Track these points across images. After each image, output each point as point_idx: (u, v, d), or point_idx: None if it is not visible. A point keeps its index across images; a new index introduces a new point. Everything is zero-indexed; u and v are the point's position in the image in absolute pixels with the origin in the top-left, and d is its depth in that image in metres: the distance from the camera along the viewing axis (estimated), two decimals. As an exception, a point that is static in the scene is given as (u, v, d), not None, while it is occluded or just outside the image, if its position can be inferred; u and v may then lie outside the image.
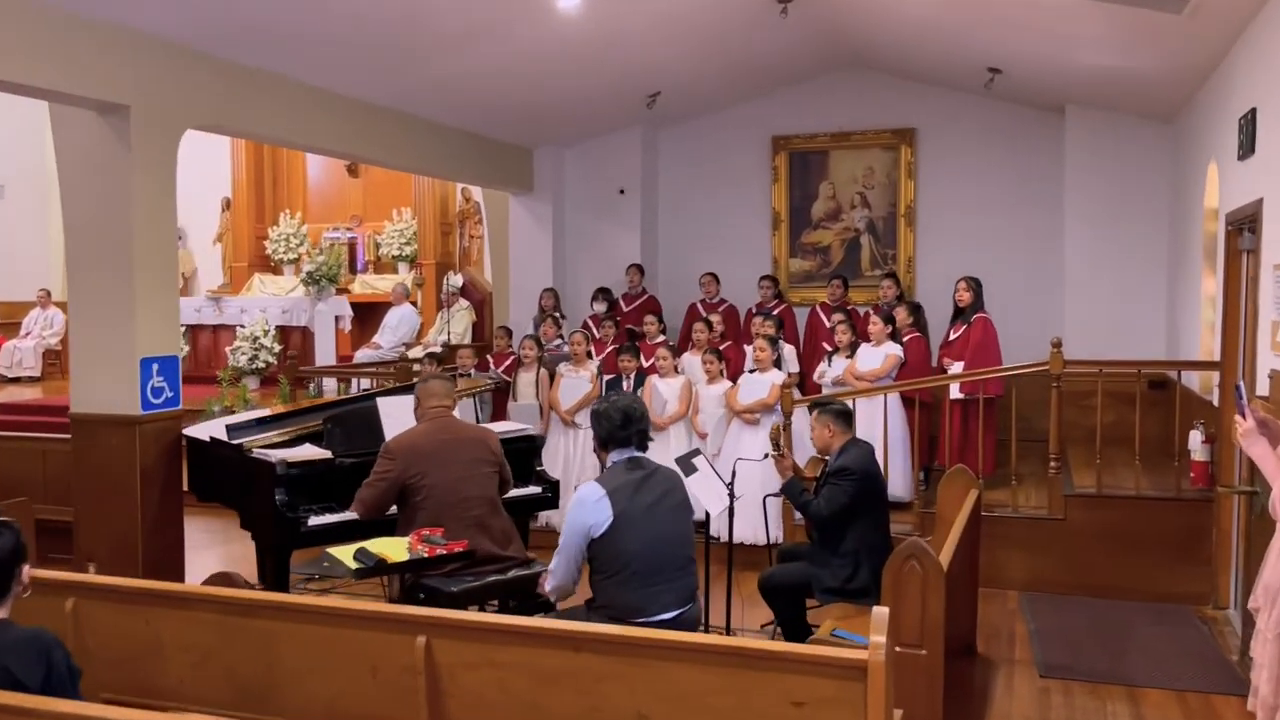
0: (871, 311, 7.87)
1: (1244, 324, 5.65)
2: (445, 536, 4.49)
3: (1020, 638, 5.74)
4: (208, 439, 5.50)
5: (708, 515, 5.00)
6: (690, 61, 8.62)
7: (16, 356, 14.97)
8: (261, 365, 12.66)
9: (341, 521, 4.98)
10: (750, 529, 6.49)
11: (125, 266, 5.57)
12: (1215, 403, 6.56)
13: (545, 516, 7.23)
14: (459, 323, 12.09)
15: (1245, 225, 5.58)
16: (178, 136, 5.87)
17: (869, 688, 2.70)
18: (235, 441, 5.22)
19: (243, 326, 13.21)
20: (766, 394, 6.98)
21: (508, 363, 8.32)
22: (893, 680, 2.76)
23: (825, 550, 4.85)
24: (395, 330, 12.69)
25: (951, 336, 7.58)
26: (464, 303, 12.28)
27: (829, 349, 8.05)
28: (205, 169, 15.59)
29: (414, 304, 13.20)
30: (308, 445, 5.28)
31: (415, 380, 7.85)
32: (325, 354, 13.19)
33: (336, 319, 13.92)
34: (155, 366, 5.67)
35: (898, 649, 3.72)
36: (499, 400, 8.09)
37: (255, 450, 5.11)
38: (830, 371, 7.75)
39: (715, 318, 8.36)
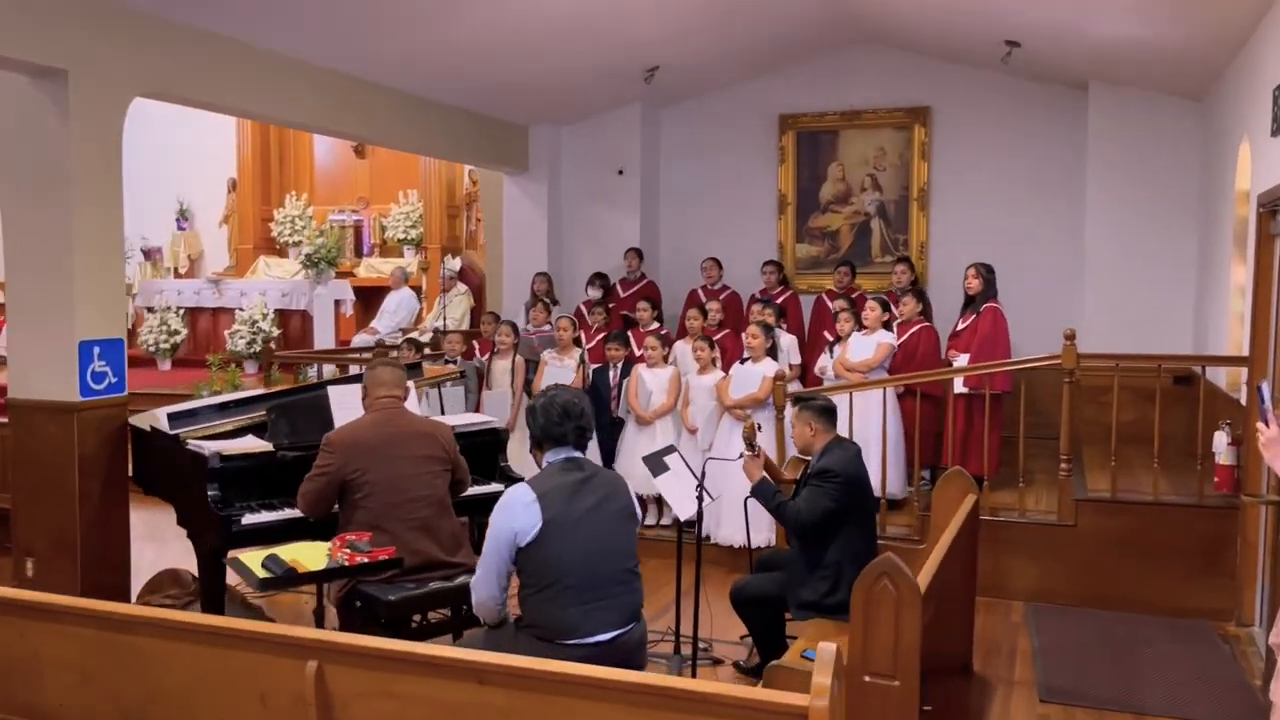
0: (870, 297, 7.41)
1: (1275, 315, 5.15)
2: (384, 539, 4.12)
3: (1022, 654, 5.28)
4: (148, 428, 5.14)
5: (701, 513, 4.61)
6: (692, 35, 8.16)
7: (17, 338, 14.77)
8: (259, 349, 12.42)
9: (283, 520, 4.61)
10: (739, 532, 6.07)
11: (64, 243, 5.21)
12: (1243, 401, 6.06)
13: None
14: (457, 308, 11.72)
15: (1278, 207, 5.08)
16: (123, 104, 5.50)
17: (810, 738, 2.28)
18: (173, 431, 4.86)
19: (241, 310, 12.96)
20: (757, 387, 6.54)
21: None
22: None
23: (804, 560, 4.43)
24: (394, 315, 12.38)
25: (959, 327, 7.10)
26: (462, 287, 11.92)
27: (830, 339, 7.61)
28: (211, 149, 15.39)
29: (417, 289, 12.89)
30: (250, 437, 4.91)
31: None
32: (324, 338, 12.90)
33: (338, 303, 13.64)
34: (96, 350, 5.31)
35: (867, 679, 3.30)
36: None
37: (190, 441, 4.74)
38: (831, 363, 7.30)
39: (713, 304, 7.92)
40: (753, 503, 5.17)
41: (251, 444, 4.78)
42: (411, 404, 5.00)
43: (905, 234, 9.46)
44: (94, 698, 3.10)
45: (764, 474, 4.51)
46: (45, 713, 3.18)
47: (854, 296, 7.96)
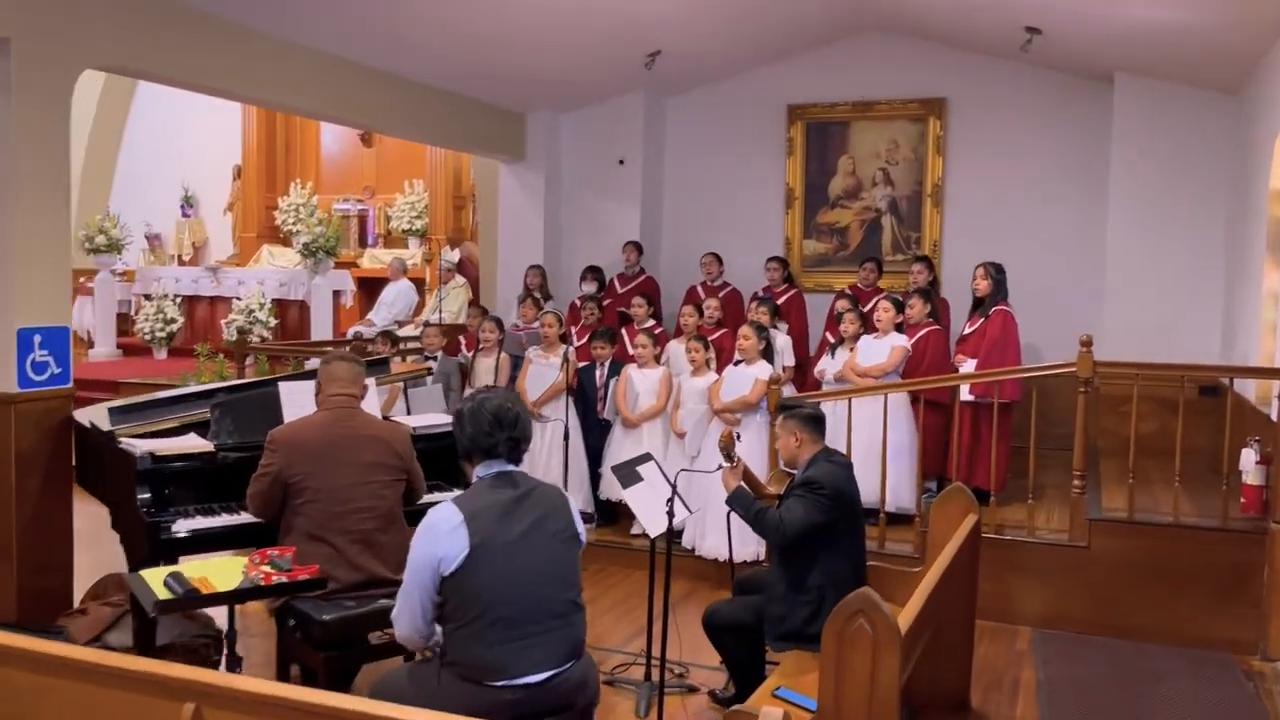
0: (885, 297, 6.99)
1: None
2: (323, 552, 3.78)
3: (1026, 688, 4.86)
4: (88, 424, 4.80)
5: (671, 526, 4.22)
6: (697, 19, 7.76)
7: None
8: (257, 340, 12.14)
9: (221, 527, 4.25)
10: (725, 544, 5.69)
11: (4, 225, 4.87)
12: (1273, 416, 5.61)
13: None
14: (454, 301, 11.36)
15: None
16: (72, 77, 5.14)
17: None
18: (108, 428, 4.51)
19: (238, 299, 12.69)
20: (749, 390, 6.13)
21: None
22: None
23: (784, 583, 4.03)
24: (391, 307, 12.07)
25: (967, 330, 6.67)
26: (460, 280, 11.55)
27: (831, 341, 7.19)
28: (217, 136, 15.14)
29: (421, 280, 12.57)
30: (192, 435, 4.55)
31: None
32: (322, 329, 12.60)
33: (338, 294, 13.35)
34: (37, 338, 4.97)
35: (838, 731, 2.90)
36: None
37: (123, 440, 4.39)
38: (831, 366, 6.89)
39: (711, 302, 7.52)
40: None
41: (190, 443, 4.42)
42: (371, 404, 4.66)
43: (918, 231, 9.02)
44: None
45: (740, 484, 4.12)
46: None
47: (877, 299, 7.53)
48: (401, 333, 10.31)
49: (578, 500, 6.73)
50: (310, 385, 4.38)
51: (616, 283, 8.92)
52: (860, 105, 9.08)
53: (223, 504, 4.34)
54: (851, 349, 6.75)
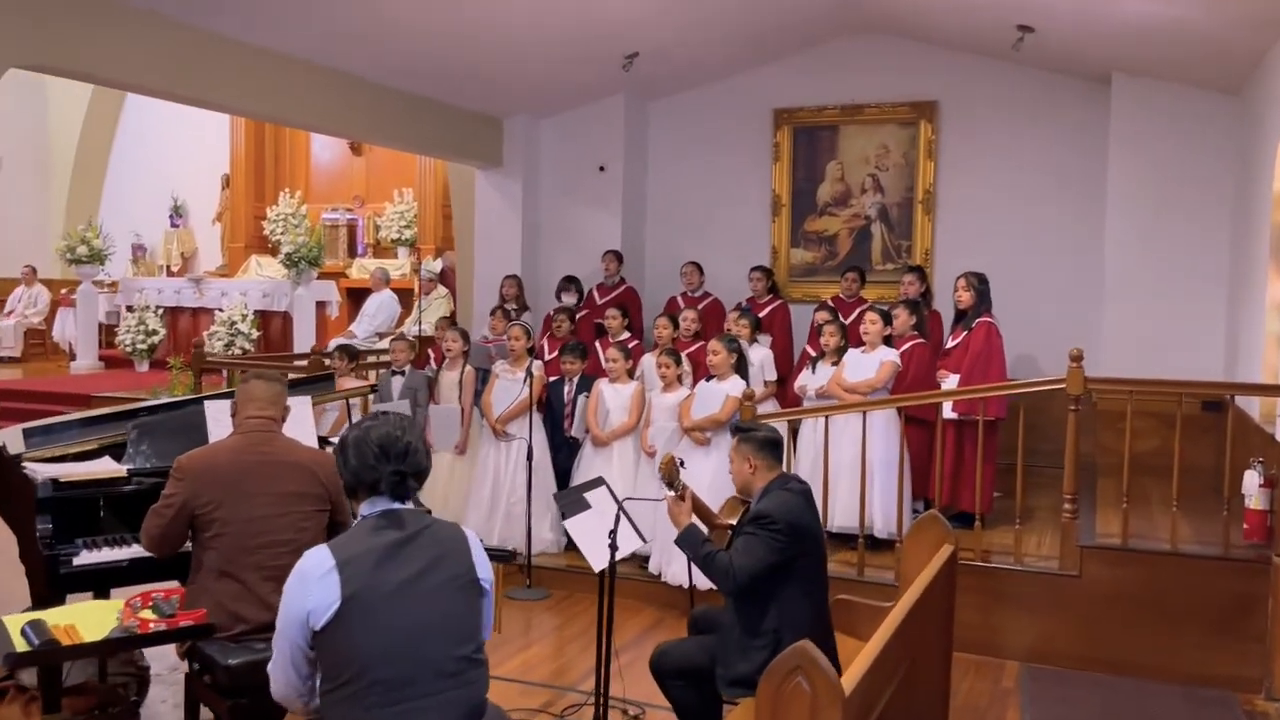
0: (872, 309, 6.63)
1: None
2: (233, 590, 3.45)
3: (1009, 732, 4.50)
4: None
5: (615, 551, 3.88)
6: (679, 19, 7.46)
7: (-4, 335, 14.33)
8: (238, 352, 11.88)
9: (127, 560, 3.94)
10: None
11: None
12: (1278, 436, 5.26)
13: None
14: (435, 312, 11.07)
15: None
16: (-7, 76, 4.87)
17: None
18: (19, 451, 4.20)
19: (221, 310, 12.42)
20: (718, 408, 5.79)
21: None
22: None
23: (738, 625, 3.68)
24: (373, 318, 11.83)
25: (950, 344, 6.33)
26: (442, 290, 11.27)
27: (813, 354, 6.85)
28: (206, 145, 14.95)
29: (410, 291, 12.29)
30: (106, 459, 4.24)
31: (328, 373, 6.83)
32: (304, 341, 12.33)
33: (322, 304, 13.09)
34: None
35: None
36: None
37: (27, 464, 4.08)
38: (813, 382, 6.54)
39: (688, 313, 7.18)
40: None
41: (101, 468, 4.11)
42: (300, 427, 4.34)
43: (909, 240, 8.68)
44: None
45: (692, 519, 3.77)
46: None
47: (860, 310, 7.19)
48: (381, 345, 10.03)
49: (544, 523, 6.41)
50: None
51: (596, 293, 8.60)
52: (849, 109, 8.75)
53: (136, 535, 4.01)
54: (833, 363, 6.41)
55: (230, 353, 11.87)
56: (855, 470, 5.70)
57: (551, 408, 6.79)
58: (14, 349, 14.35)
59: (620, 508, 4.05)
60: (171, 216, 15.91)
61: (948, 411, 5.81)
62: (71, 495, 3.94)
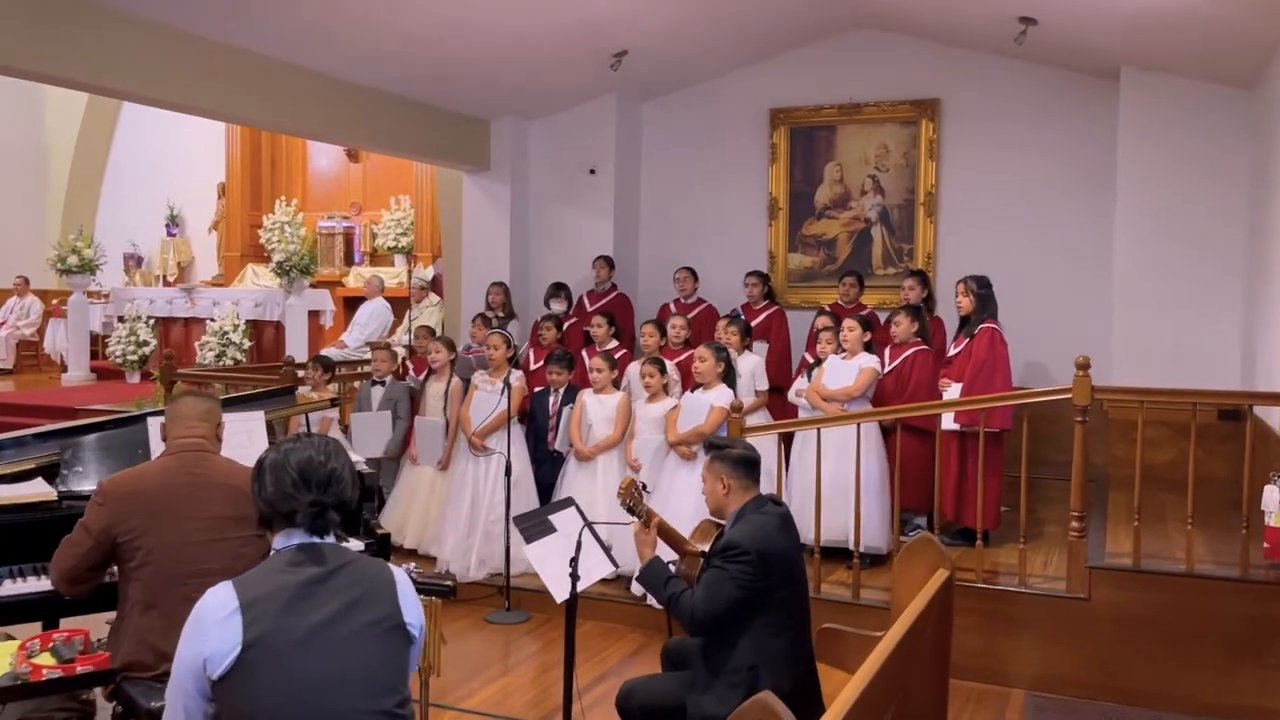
0: (853, 316, 6.34)
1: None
2: (160, 624, 3.16)
3: (1012, 769, 4.18)
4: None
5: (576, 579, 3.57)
6: (671, 17, 7.19)
7: (-14, 347, 14.14)
8: (230, 362, 11.66)
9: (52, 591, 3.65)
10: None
11: None
12: (1300, 448, 4.94)
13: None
14: (427, 320, 10.79)
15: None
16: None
17: None
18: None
19: (212, 320, 12.20)
20: (703, 419, 5.50)
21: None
22: None
23: (706, 662, 3.38)
24: (364, 327, 11.58)
25: (952, 352, 6.01)
26: (434, 298, 10.99)
27: (810, 361, 6.55)
28: (202, 153, 14.76)
29: (405, 299, 12.04)
30: (38, 480, 3.96)
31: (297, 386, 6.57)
32: (297, 351, 12.08)
33: (315, 313, 12.86)
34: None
35: None
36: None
37: (-49, 487, 3.81)
38: (806, 391, 6.25)
39: (676, 320, 6.89)
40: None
41: (30, 490, 3.83)
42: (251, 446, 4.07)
43: (910, 243, 8.36)
44: None
45: (655, 551, 3.47)
46: None
47: (865, 314, 6.88)
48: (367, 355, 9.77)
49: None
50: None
51: (586, 300, 8.31)
52: (847, 108, 8.44)
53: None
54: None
55: (222, 363, 11.67)
56: (835, 483, 5.41)
57: (535, 420, 6.51)
58: (6, 360, 14.17)
59: (590, 530, 3.76)
60: (168, 225, 15.72)
61: (949, 423, 5.49)
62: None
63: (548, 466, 6.39)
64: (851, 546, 5.36)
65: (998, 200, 8.05)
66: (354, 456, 4.73)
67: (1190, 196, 7.01)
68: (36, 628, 3.82)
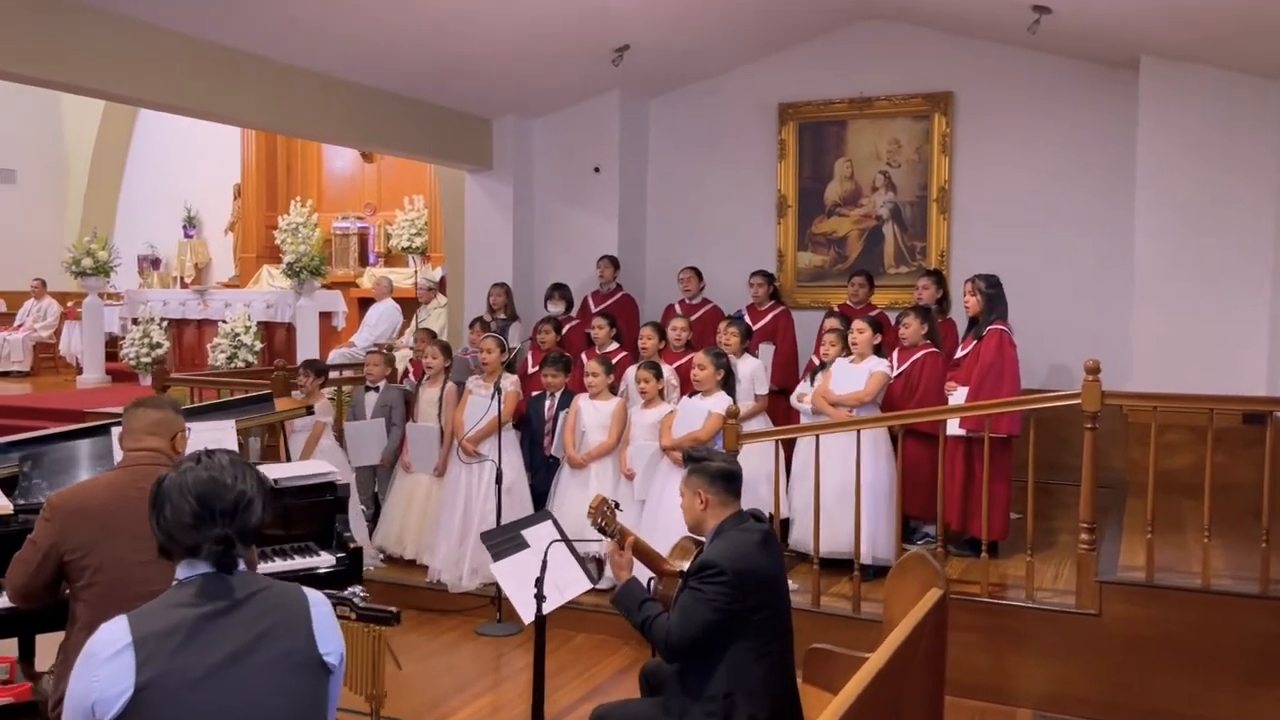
0: (862, 318, 6.10)
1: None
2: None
3: (1014, 797, 3.97)
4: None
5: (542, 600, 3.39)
6: (675, 9, 6.99)
7: (5, 349, 14.19)
8: (242, 364, 11.60)
9: (7, 609, 3.53)
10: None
11: None
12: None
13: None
14: (435, 322, 10.66)
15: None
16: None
17: None
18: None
19: (224, 322, 12.17)
20: (700, 426, 5.30)
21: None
22: None
23: (682, 689, 3.19)
24: (374, 328, 11.45)
25: (960, 354, 5.78)
26: (442, 299, 10.85)
27: (817, 363, 6.34)
28: (219, 155, 14.75)
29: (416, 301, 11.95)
30: (-2, 493, 3.85)
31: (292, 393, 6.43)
32: (308, 353, 12.02)
33: (327, 315, 12.80)
34: None
35: None
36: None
37: (-95, 501, 3.70)
38: (810, 394, 6.03)
39: (677, 322, 6.70)
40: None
41: (-14, 504, 3.71)
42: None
43: (923, 240, 8.11)
44: None
45: (632, 573, 3.29)
46: None
47: (874, 315, 6.66)
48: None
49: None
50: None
51: (590, 301, 8.13)
52: (858, 102, 8.20)
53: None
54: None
55: (233, 365, 11.61)
56: (843, 492, 5.19)
57: (531, 425, 6.34)
58: (23, 363, 14.22)
59: (567, 544, 3.58)
60: (185, 227, 15.74)
61: (955, 428, 5.27)
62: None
63: (543, 473, 6.23)
64: (853, 557, 5.15)
65: (1013, 196, 7.78)
66: (319, 468, 4.59)
67: (1214, 190, 6.71)
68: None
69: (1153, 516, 4.67)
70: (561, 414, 6.13)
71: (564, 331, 7.39)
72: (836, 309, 7.08)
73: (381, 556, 6.41)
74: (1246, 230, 6.64)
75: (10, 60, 5.22)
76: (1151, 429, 4.69)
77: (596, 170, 8.56)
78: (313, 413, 5.75)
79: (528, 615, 3.31)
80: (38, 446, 3.95)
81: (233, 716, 2.01)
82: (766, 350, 7.18)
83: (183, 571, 2.15)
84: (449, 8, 6.33)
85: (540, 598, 3.21)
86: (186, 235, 15.81)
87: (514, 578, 3.38)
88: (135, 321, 12.75)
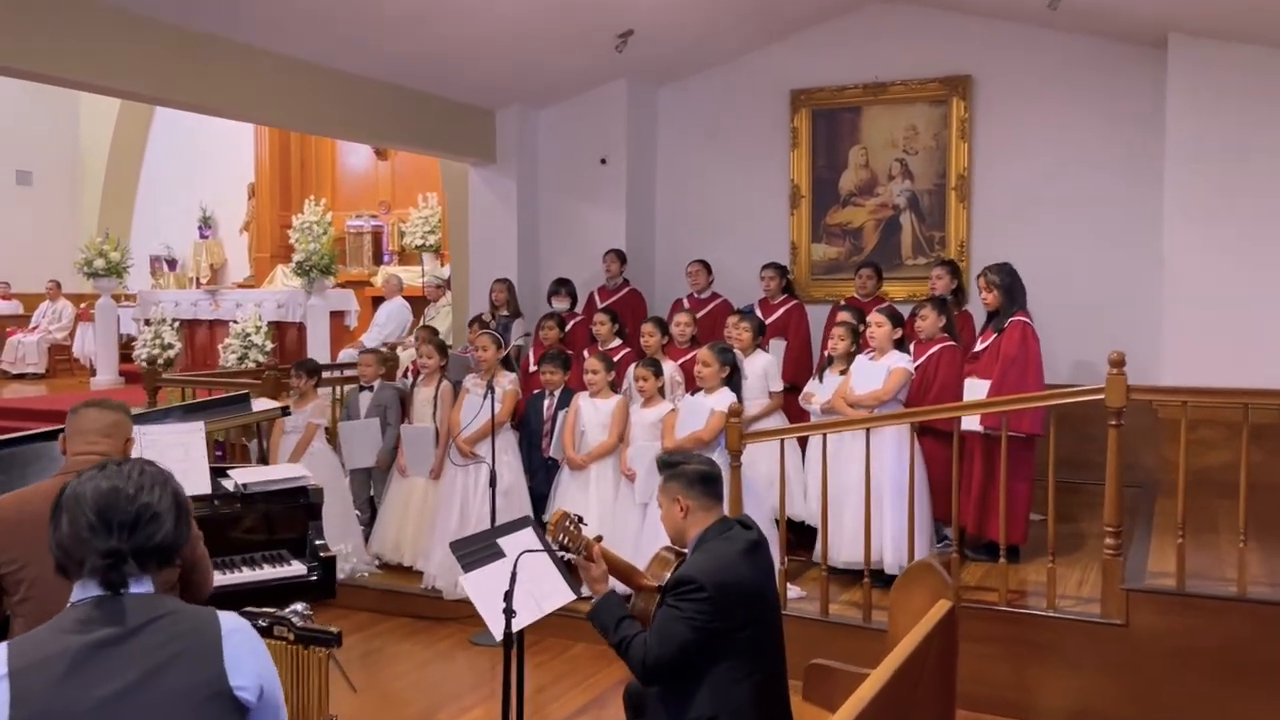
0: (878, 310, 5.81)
1: None
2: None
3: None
4: None
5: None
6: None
7: (20, 351, 14.15)
8: (253, 365, 11.46)
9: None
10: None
11: None
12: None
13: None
14: (444, 320, 10.47)
15: None
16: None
17: None
18: None
19: (235, 322, 12.05)
20: (702, 424, 5.04)
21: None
22: None
23: (664, 712, 2.94)
24: (383, 327, 11.28)
25: (978, 347, 5.48)
26: (450, 297, 10.65)
27: (829, 356, 6.05)
28: (234, 155, 14.67)
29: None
30: (-49, 501, 3.64)
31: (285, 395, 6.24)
32: (318, 353, 11.87)
33: (339, 314, 12.64)
34: None
35: None
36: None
37: None
38: (820, 392, 5.76)
39: (681, 317, 6.44)
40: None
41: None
42: (187, 462, 3.71)
43: (942, 230, 7.80)
44: None
45: (609, 587, 3.03)
46: None
47: (887, 307, 6.37)
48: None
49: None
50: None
51: (597, 296, 7.88)
52: (873, 87, 7.90)
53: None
54: (841, 371, 5.63)
55: (244, 365, 11.47)
56: (862, 496, 4.90)
57: (529, 425, 6.11)
58: (38, 365, 14.19)
59: (549, 553, 3.33)
60: (200, 228, 15.68)
61: (972, 424, 4.97)
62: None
63: (542, 475, 6.00)
64: (880, 567, 4.89)
65: (1035, 182, 7.46)
66: (291, 472, 4.36)
67: (1247, 174, 6.37)
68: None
69: (1184, 519, 4.35)
70: (560, 413, 5.90)
71: (569, 328, 7.15)
72: (844, 301, 6.80)
73: (377, 563, 6.20)
74: (1278, 216, 6.29)
75: (19, 57, 5.14)
76: (1182, 425, 4.37)
77: (603, 161, 8.31)
78: (289, 413, 5.53)
79: (498, 630, 3.05)
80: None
81: (124, 757, 1.77)
82: (778, 346, 6.92)
83: (76, 593, 1.92)
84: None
85: (510, 613, 2.96)
86: (202, 236, 15.74)
87: (486, 590, 3.13)
88: (148, 322, 12.66)
